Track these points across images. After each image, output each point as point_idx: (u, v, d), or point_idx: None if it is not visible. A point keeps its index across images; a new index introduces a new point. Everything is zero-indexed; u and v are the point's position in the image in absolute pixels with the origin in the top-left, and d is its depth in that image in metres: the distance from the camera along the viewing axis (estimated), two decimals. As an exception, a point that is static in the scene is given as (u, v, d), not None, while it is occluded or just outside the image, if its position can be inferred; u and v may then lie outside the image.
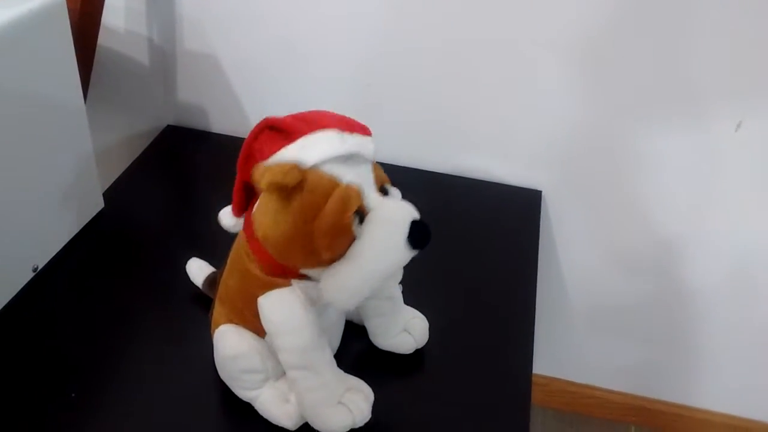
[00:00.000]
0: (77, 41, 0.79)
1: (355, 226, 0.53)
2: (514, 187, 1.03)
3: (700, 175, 0.97)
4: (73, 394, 0.67)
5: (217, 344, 0.65)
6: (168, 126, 1.11)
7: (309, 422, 0.61)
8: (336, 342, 0.69)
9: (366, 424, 0.61)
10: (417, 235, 0.53)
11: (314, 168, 0.53)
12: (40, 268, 0.79)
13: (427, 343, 0.73)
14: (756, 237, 1.01)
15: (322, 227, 0.53)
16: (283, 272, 0.58)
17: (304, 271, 0.57)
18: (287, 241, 0.55)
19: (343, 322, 0.70)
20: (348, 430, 0.60)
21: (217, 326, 0.65)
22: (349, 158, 0.54)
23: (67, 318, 0.75)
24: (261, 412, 0.65)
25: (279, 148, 0.55)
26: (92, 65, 0.96)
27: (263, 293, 0.59)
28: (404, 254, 0.53)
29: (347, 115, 0.58)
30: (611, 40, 0.89)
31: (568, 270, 1.12)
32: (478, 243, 0.91)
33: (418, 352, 0.73)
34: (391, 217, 0.54)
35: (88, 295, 0.78)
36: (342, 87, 1.02)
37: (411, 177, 1.03)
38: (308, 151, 0.54)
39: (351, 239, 0.54)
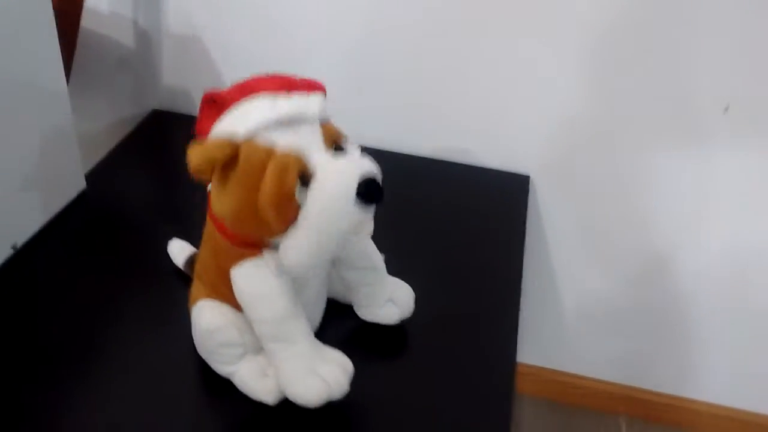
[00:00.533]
0: (60, 23, 0.78)
1: (298, 193, 0.52)
2: (502, 172, 1.02)
3: (693, 163, 0.97)
4: (48, 365, 0.66)
5: (194, 319, 0.64)
6: (153, 110, 1.10)
7: (284, 392, 0.60)
8: (317, 317, 0.68)
9: (344, 397, 0.59)
10: (365, 191, 0.51)
11: (248, 138, 0.52)
12: (19, 245, 0.78)
13: (411, 325, 0.73)
14: (749, 227, 1.01)
15: (264, 200, 0.52)
16: (250, 245, 0.58)
17: (268, 240, 0.56)
18: (237, 215, 0.55)
19: (325, 298, 0.69)
20: (324, 401, 0.58)
21: (194, 302, 0.64)
22: (289, 121, 0.53)
23: (46, 296, 0.74)
24: (240, 387, 0.64)
25: (215, 122, 0.54)
26: (75, 47, 0.96)
27: (235, 264, 0.58)
28: (354, 212, 0.52)
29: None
30: (605, 32, 0.88)
31: (557, 259, 1.11)
32: (465, 226, 0.90)
33: (403, 333, 0.72)
34: (336, 177, 0.52)
35: (68, 274, 0.77)
36: (330, 71, 1.00)
37: (399, 162, 1.02)
38: (240, 121, 0.53)
39: (297, 207, 0.52)
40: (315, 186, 0.52)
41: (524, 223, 0.92)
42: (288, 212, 0.53)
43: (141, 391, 0.65)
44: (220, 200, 0.55)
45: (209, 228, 0.61)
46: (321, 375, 0.58)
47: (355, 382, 0.62)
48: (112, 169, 0.95)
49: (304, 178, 0.52)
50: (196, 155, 0.52)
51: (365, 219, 0.53)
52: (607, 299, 1.14)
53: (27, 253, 0.79)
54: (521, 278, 0.83)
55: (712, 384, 1.20)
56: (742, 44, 0.86)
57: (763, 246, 1.02)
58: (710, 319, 1.12)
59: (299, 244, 0.53)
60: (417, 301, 0.72)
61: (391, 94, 1.01)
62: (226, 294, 0.60)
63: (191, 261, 0.74)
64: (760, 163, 0.95)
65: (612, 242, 1.08)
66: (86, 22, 1.01)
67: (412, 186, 0.97)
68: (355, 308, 0.71)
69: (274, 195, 0.52)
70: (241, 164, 0.52)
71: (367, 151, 0.56)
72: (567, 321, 1.19)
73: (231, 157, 0.52)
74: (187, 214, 0.67)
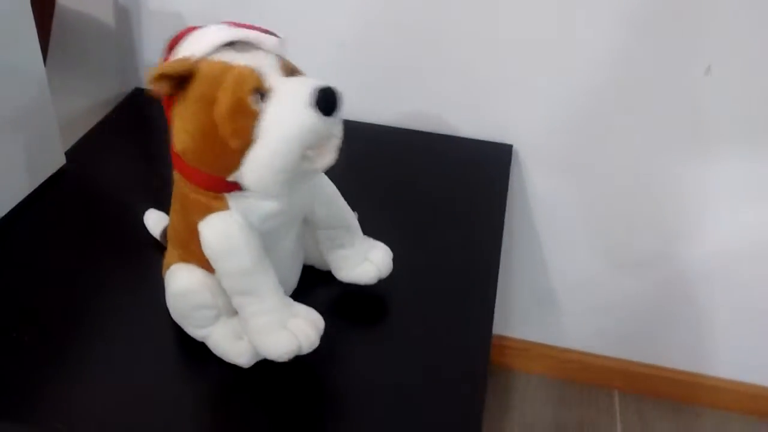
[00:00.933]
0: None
1: (255, 104, 0.53)
2: (484, 142, 1.01)
3: (687, 148, 0.96)
4: (14, 334, 0.66)
5: (167, 283, 0.64)
6: (136, 88, 1.09)
7: (254, 347, 0.60)
8: (293, 280, 0.68)
9: (315, 352, 0.59)
10: (322, 97, 0.52)
11: (205, 58, 0.54)
12: (-5, 219, 0.78)
13: (388, 292, 0.72)
14: (739, 207, 1.00)
15: (221, 112, 0.52)
16: (217, 186, 0.57)
17: (231, 177, 0.56)
18: (197, 139, 0.54)
19: (301, 261, 0.69)
20: (292, 355, 0.58)
21: (167, 267, 0.64)
22: (245, 48, 0.55)
23: (24, 268, 0.74)
24: (214, 350, 0.63)
25: None
26: (51, 24, 0.95)
27: (202, 218, 0.58)
28: (311, 118, 0.52)
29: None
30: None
31: (546, 232, 1.11)
32: (446, 195, 0.90)
33: (380, 300, 0.72)
34: (292, 88, 0.53)
35: (46, 246, 0.77)
36: (313, 45, 1.00)
37: (379, 133, 1.02)
38: (196, 44, 0.54)
39: (254, 118, 0.53)
40: (272, 97, 0.53)
41: (505, 191, 0.91)
42: (245, 124, 0.53)
43: (117, 358, 0.65)
44: (183, 126, 0.55)
45: (176, 183, 0.61)
46: (290, 329, 0.58)
47: (330, 345, 0.62)
48: (92, 146, 0.95)
49: (261, 94, 0.53)
50: (154, 69, 0.53)
51: (324, 131, 0.53)
52: (599, 274, 1.13)
53: (3, 228, 0.78)
54: (500, 245, 0.82)
55: (709, 355, 1.20)
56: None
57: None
58: (704, 290, 1.11)
59: (259, 157, 0.53)
60: (396, 271, 0.71)
61: (371, 67, 1.00)
62: (196, 253, 0.59)
63: (167, 231, 0.74)
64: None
65: (603, 219, 1.07)
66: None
67: (392, 157, 0.97)
68: (333, 271, 0.71)
69: (231, 104, 0.52)
70: (199, 80, 0.53)
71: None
72: (558, 295, 1.18)
73: (189, 73, 0.53)
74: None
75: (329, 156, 0.56)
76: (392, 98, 1.02)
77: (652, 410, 1.23)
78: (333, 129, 0.55)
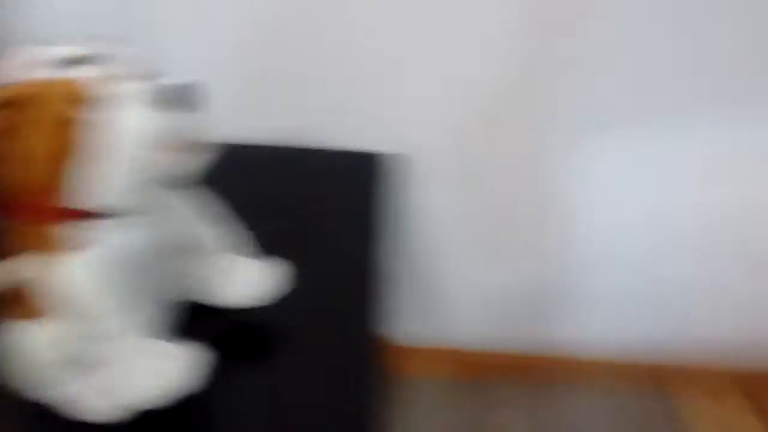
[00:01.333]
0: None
1: (85, 113, 0.48)
2: (360, 154, 0.99)
3: (589, 144, 0.99)
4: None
5: (13, 346, 0.56)
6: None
7: (125, 397, 0.54)
8: (164, 317, 0.62)
9: (196, 389, 0.54)
10: (156, 93, 0.48)
11: (24, 82, 0.49)
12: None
13: (267, 314, 0.69)
14: (618, 201, 1.05)
15: (47, 133, 0.48)
16: (45, 214, 0.51)
17: (83, 202, 0.50)
18: (38, 165, 0.49)
19: (176, 295, 0.64)
20: (165, 398, 0.53)
21: (10, 329, 0.56)
22: (70, 64, 0.50)
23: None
24: (79, 412, 0.56)
25: None
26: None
27: (47, 267, 0.52)
28: (147, 115, 0.48)
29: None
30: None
31: (434, 237, 1.11)
32: (325, 210, 0.87)
33: (260, 322, 0.69)
34: (125, 90, 0.48)
35: None
36: (192, 57, 0.94)
37: (258, 151, 0.98)
38: (15, 70, 0.49)
39: (85, 130, 0.48)
40: (101, 106, 0.48)
41: (382, 199, 0.90)
42: (73, 140, 0.48)
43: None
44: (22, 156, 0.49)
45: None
46: (158, 371, 0.52)
47: (214, 379, 0.58)
48: None
49: (89, 104, 0.48)
50: None
51: (166, 128, 0.48)
52: (486, 272, 1.16)
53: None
54: (377, 255, 0.80)
55: (583, 339, 1.24)
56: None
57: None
58: (588, 279, 1.16)
59: (104, 174, 0.48)
60: (280, 292, 0.68)
61: (256, 79, 0.96)
62: (39, 309, 0.53)
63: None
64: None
65: (486, 219, 1.09)
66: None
67: (261, 177, 0.93)
68: (213, 298, 0.66)
69: (52, 121, 0.47)
70: (21, 103, 0.48)
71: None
72: (448, 296, 1.19)
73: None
74: None
75: (191, 159, 0.51)
76: (274, 114, 0.99)
77: (541, 396, 1.25)
78: (181, 127, 0.50)
